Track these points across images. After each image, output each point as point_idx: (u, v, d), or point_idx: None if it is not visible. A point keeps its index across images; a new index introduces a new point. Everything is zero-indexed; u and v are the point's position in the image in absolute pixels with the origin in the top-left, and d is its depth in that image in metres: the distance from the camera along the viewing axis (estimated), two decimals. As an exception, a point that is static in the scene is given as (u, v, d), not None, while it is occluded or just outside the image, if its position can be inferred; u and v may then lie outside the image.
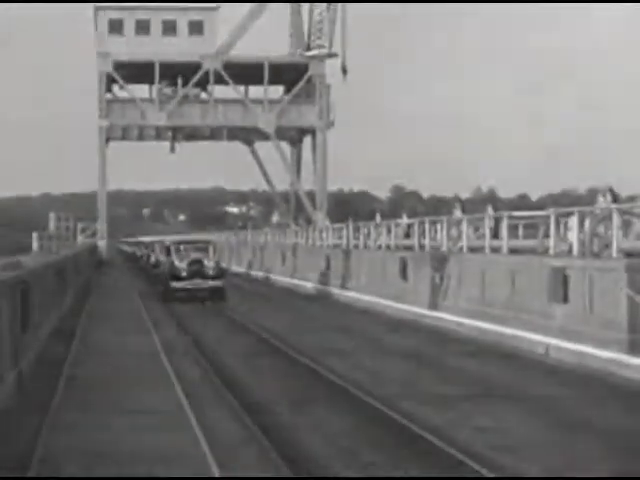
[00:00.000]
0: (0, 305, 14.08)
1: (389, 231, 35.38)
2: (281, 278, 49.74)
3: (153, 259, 52.30)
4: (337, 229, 44.26)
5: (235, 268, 64.86)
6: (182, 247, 38.52)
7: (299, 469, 10.68)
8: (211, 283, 36.71)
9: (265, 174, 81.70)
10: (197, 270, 36.66)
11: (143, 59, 71.67)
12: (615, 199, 20.78)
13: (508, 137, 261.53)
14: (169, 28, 73.55)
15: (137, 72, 73.14)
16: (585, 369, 17.60)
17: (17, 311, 15.50)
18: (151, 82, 74.97)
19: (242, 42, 74.13)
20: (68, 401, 14.15)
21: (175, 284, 36.79)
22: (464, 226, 27.91)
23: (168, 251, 39.16)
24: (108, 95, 75.45)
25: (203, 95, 76.83)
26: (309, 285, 43.19)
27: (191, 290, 36.82)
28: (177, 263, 37.00)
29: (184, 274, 36.61)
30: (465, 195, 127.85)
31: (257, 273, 57.94)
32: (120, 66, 72.28)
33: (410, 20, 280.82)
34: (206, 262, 36.97)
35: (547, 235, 22.74)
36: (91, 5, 74.83)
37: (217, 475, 9.87)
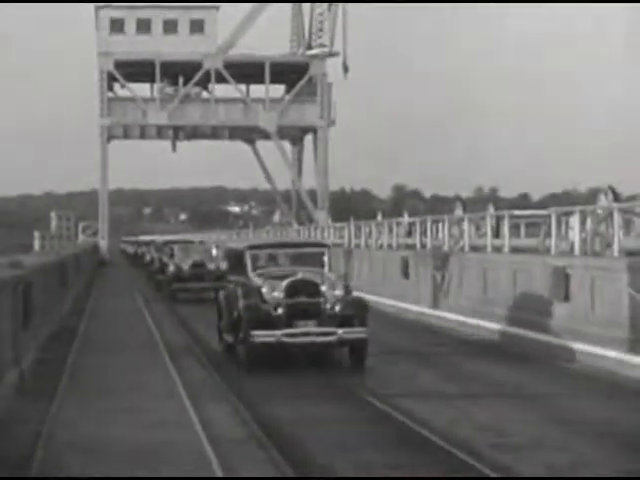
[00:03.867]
0: (1, 304, 14.08)
1: (390, 230, 35.37)
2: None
3: (172, 268, 36.81)
4: (339, 228, 44.23)
5: None
6: (265, 255, 19.79)
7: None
8: (342, 333, 17.64)
9: (266, 173, 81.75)
10: (309, 306, 17.82)
11: (144, 58, 71.72)
12: (616, 198, 20.78)
13: (509, 137, 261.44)
14: (170, 27, 73.61)
15: (138, 71, 73.19)
16: (586, 368, 17.60)
17: (18, 310, 15.50)
18: (152, 81, 75.04)
19: (243, 41, 74.30)
20: (69, 400, 14.15)
21: (262, 335, 17.51)
22: (465, 225, 27.92)
23: (239, 261, 19.55)
24: (109, 94, 75.51)
25: (204, 94, 76.91)
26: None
27: (296, 345, 17.91)
28: (266, 290, 18.10)
29: (280, 312, 17.74)
30: (467, 195, 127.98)
31: None
32: (121, 65, 72.33)
33: (410, 20, 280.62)
34: (325, 288, 18.04)
35: (548, 234, 22.73)
36: (92, 4, 74.99)
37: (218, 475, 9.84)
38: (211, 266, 35.77)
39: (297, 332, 17.55)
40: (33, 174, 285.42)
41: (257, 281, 18.49)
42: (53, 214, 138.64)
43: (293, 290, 17.80)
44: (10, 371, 14.54)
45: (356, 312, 17.99)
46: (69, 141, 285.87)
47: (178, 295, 35.86)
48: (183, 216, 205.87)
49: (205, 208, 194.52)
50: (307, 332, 17.60)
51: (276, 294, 17.83)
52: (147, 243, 65.33)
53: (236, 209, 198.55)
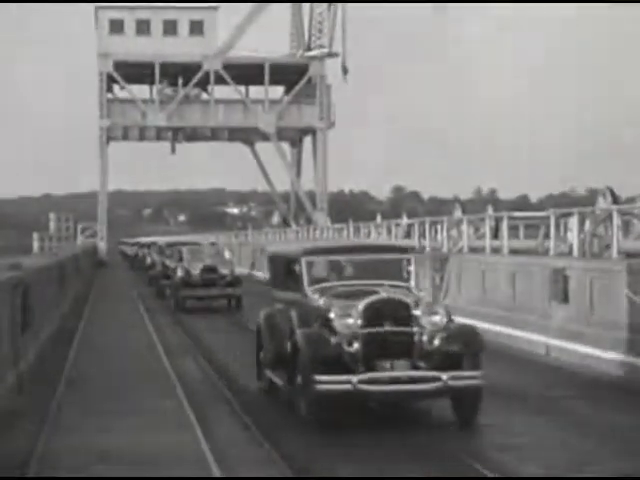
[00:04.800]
0: (0, 306, 14.08)
1: (389, 231, 35.36)
2: None
3: (180, 273, 32.58)
4: (338, 229, 44.24)
5: None
6: (326, 263, 14.47)
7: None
8: (447, 379, 12.37)
9: (265, 174, 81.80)
10: (399, 339, 12.60)
11: (143, 59, 71.78)
12: (615, 200, 20.80)
13: (508, 137, 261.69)
14: (170, 28, 73.67)
15: (138, 72, 73.25)
16: (585, 369, 17.61)
17: (17, 312, 15.49)
18: (152, 82, 75.12)
19: (242, 42, 74.35)
20: (68, 403, 14.16)
21: (332, 381, 12.29)
22: (464, 226, 27.93)
23: (289, 271, 14.51)
24: (109, 95, 75.56)
25: (204, 95, 76.99)
26: None
27: (381, 396, 12.64)
28: (335, 315, 12.82)
29: (357, 348, 12.56)
30: (465, 196, 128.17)
31: None
32: (121, 66, 72.38)
33: (410, 20, 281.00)
34: (419, 312, 12.80)
35: (547, 236, 22.75)
36: (92, 5, 75.04)
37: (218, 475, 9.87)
38: (224, 271, 32.45)
39: (382, 377, 12.27)
40: (32, 176, 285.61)
41: (319, 300, 13.38)
42: (52, 215, 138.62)
43: (375, 315, 12.54)
44: (9, 373, 14.53)
45: (465, 347, 12.65)
46: (68, 143, 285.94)
47: (187, 303, 31.92)
48: (182, 217, 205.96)
49: (204, 209, 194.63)
50: (397, 377, 12.31)
51: (350, 321, 12.58)
52: (147, 245, 61.89)
53: (235, 210, 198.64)
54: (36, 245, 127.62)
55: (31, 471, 10.13)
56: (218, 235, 77.94)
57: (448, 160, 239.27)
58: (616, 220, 19.61)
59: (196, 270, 32.24)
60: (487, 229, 26.07)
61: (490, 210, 26.95)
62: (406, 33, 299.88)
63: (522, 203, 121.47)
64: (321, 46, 74.53)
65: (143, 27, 73.55)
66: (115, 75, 73.20)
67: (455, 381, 12.33)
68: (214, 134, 79.99)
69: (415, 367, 12.47)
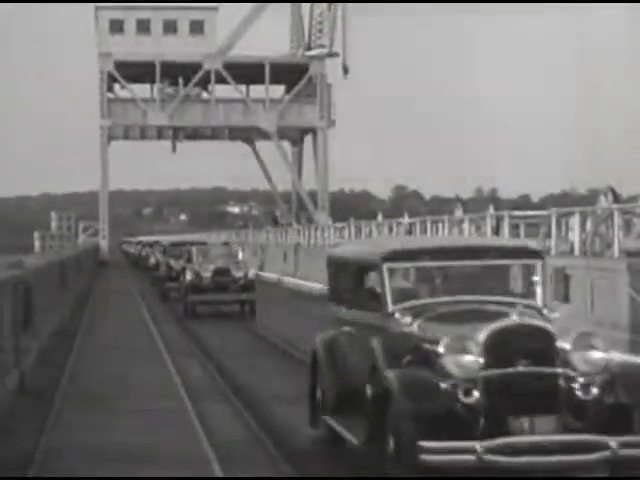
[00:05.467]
0: (1, 304, 14.08)
1: (391, 231, 35.35)
2: None
3: (190, 276, 29.13)
4: (339, 229, 44.20)
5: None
6: (414, 272, 10.03)
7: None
8: (616, 446, 8.07)
9: (266, 174, 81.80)
10: (540, 386, 8.30)
11: (144, 59, 71.74)
12: (616, 199, 20.81)
13: (509, 137, 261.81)
14: (170, 28, 73.68)
15: (138, 72, 73.23)
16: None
17: (18, 311, 15.49)
18: (152, 82, 75.11)
19: (243, 42, 74.35)
20: (69, 401, 14.17)
21: (447, 449, 8.08)
22: (465, 225, 27.92)
23: (361, 281, 10.49)
24: (109, 95, 75.56)
25: (204, 95, 76.97)
26: None
27: (520, 470, 7.99)
28: (446, 349, 8.47)
29: (478, 399, 8.28)
30: (466, 195, 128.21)
31: None
32: (121, 66, 72.36)
33: (410, 19, 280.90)
34: (568, 345, 8.52)
35: (548, 235, 22.75)
36: (92, 5, 75.05)
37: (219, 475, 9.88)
38: (237, 274, 29.27)
39: (520, 443, 8.15)
40: (31, 175, 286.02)
41: (412, 325, 9.30)
42: (53, 214, 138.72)
43: (505, 349, 8.42)
44: (10, 372, 14.53)
45: (634, 397, 8.45)
46: (69, 142, 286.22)
47: (197, 308, 28.77)
48: (183, 216, 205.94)
49: (205, 208, 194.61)
50: (542, 443, 8.16)
51: (468, 358, 8.44)
52: (150, 244, 59.00)
53: (236, 209, 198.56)
54: (37, 244, 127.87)
55: (32, 471, 10.13)
56: (219, 233, 77.89)
57: (449, 159, 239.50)
58: (617, 219, 19.61)
59: (207, 272, 29.05)
60: (488, 228, 26.05)
61: (491, 209, 26.93)
62: (406, 33, 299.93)
63: (523, 202, 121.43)
64: (321, 46, 74.51)
65: (143, 27, 73.54)
66: (116, 74, 73.19)
67: (629, 449, 8.18)
68: (215, 133, 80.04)
69: (565, 427, 8.36)
